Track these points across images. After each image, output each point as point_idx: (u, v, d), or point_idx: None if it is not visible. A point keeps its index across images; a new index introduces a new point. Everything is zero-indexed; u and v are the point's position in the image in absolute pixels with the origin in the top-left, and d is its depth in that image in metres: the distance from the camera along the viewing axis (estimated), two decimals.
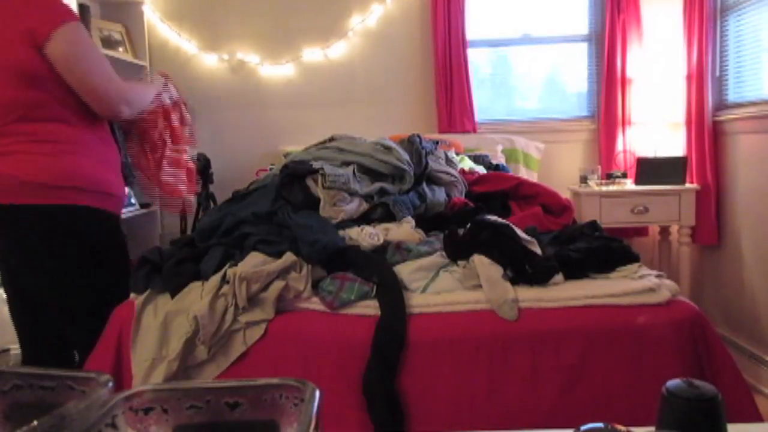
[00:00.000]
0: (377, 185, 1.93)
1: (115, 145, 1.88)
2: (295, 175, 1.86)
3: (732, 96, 3.01)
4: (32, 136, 1.63)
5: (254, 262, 1.53)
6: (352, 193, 1.84)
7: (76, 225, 1.68)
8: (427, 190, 2.04)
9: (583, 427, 0.56)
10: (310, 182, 1.85)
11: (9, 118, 1.62)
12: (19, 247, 1.67)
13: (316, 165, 1.84)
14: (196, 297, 1.48)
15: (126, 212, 3.17)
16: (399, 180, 1.99)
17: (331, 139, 2.25)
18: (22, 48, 1.57)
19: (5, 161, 1.62)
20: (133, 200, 3.32)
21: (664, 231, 3.33)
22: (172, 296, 1.53)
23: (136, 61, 3.40)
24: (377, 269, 1.53)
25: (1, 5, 1.62)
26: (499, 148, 3.22)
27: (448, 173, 2.16)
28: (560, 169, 3.47)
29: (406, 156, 2.01)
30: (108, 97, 1.68)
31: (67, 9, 1.67)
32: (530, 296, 1.45)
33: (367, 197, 1.90)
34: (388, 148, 2.00)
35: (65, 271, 1.68)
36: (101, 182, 1.72)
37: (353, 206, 1.83)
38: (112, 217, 1.80)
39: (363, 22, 3.49)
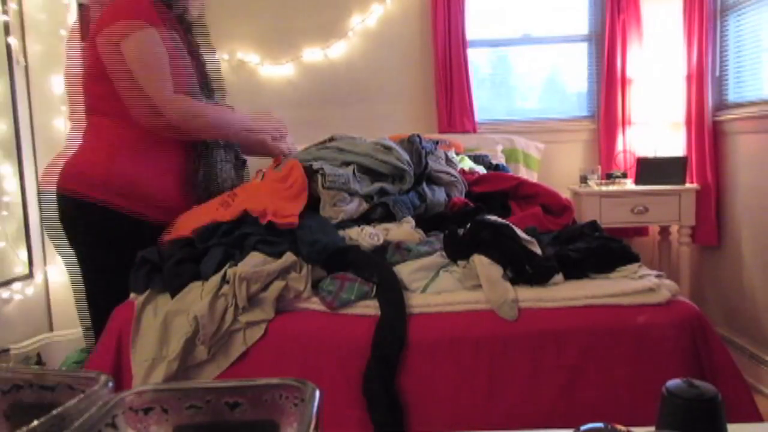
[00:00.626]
0: (377, 185, 1.92)
1: (179, 153, 1.84)
2: None
3: (732, 96, 3.01)
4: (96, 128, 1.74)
5: (254, 262, 1.53)
6: (352, 193, 1.84)
7: (101, 221, 1.73)
8: (427, 190, 2.04)
9: (583, 427, 0.56)
10: (310, 182, 1.85)
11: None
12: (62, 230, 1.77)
13: (316, 165, 1.84)
14: (196, 297, 1.48)
15: None
16: (399, 180, 1.99)
17: (331, 139, 2.25)
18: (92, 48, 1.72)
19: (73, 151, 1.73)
20: None
21: (664, 231, 3.33)
22: (172, 296, 1.53)
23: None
24: (377, 269, 1.53)
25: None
26: (499, 148, 3.22)
27: (448, 173, 2.16)
28: (560, 169, 3.47)
29: (406, 156, 2.01)
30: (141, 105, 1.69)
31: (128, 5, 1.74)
32: (530, 296, 1.45)
33: (367, 197, 1.90)
34: (388, 148, 2.00)
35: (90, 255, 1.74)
36: (143, 188, 1.76)
37: (353, 206, 1.83)
38: (142, 223, 1.77)
39: (363, 22, 3.49)
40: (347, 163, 1.94)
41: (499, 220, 1.62)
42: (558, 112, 3.56)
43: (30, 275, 2.67)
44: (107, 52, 1.68)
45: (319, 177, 1.80)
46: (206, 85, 1.89)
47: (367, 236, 1.66)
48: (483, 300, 1.45)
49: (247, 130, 1.94)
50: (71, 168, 1.74)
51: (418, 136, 2.18)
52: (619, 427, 0.55)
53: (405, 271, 1.55)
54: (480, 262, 1.50)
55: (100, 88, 1.72)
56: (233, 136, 1.89)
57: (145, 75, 1.67)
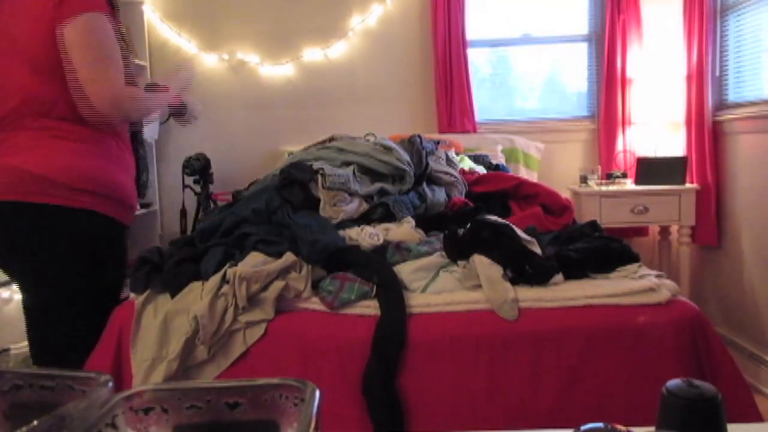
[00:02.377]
0: (377, 185, 1.93)
1: (131, 149, 1.76)
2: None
3: (732, 96, 3.01)
4: (55, 132, 1.53)
5: (254, 262, 1.53)
6: (352, 194, 1.84)
7: (88, 229, 1.59)
8: (427, 190, 2.04)
9: (583, 427, 0.56)
10: (310, 182, 1.85)
11: (25, 111, 1.52)
12: (23, 247, 1.57)
13: (316, 165, 1.84)
14: (196, 297, 1.48)
15: None
16: (399, 180, 1.99)
17: (331, 139, 2.25)
18: (41, 33, 1.49)
19: (24, 156, 1.51)
20: None
21: (664, 231, 3.33)
22: (172, 296, 1.53)
23: (136, 60, 3.40)
24: (377, 269, 1.53)
25: None
26: (499, 148, 3.22)
27: (448, 173, 2.16)
28: (560, 169, 3.47)
29: (406, 156, 2.01)
30: (82, 94, 1.51)
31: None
32: (530, 296, 1.45)
33: (367, 197, 1.90)
34: (388, 149, 2.00)
35: (66, 274, 1.59)
36: (119, 190, 1.64)
37: (353, 206, 1.83)
38: (122, 227, 1.71)
39: (363, 22, 3.49)
40: (347, 163, 1.94)
41: (499, 220, 1.62)
42: (558, 112, 3.56)
43: None
44: (75, 39, 1.47)
45: (319, 177, 1.80)
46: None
47: (367, 236, 1.66)
48: (483, 300, 1.45)
49: (172, 102, 1.85)
50: (58, 176, 1.53)
51: (419, 136, 2.18)
52: (619, 427, 0.55)
53: (405, 271, 1.55)
54: (480, 262, 1.50)
55: (56, 88, 1.52)
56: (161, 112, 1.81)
57: (107, 65, 1.51)
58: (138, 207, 1.73)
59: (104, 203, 1.60)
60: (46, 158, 1.52)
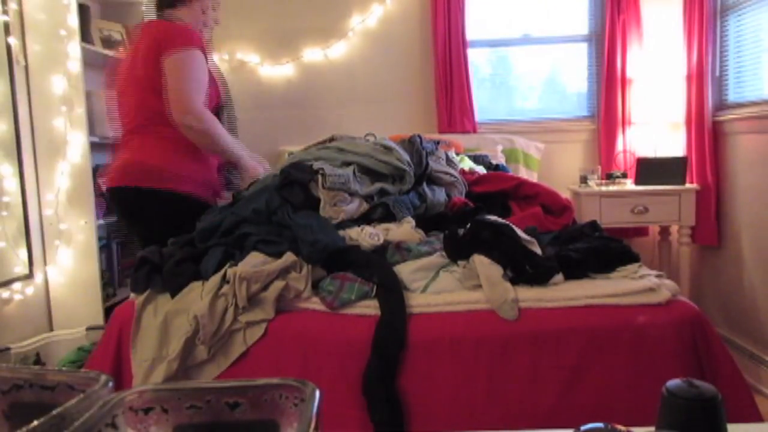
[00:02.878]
0: (377, 186, 1.92)
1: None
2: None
3: (732, 96, 3.01)
4: (162, 135, 2.10)
5: (254, 262, 1.53)
6: (353, 194, 1.84)
7: (178, 203, 2.10)
8: (427, 190, 2.04)
9: (583, 427, 0.56)
10: (310, 182, 1.85)
11: (146, 121, 2.11)
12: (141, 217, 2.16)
13: (316, 165, 1.84)
14: (196, 297, 1.48)
15: None
16: (399, 180, 1.99)
17: (331, 139, 2.25)
18: (152, 64, 2.06)
19: (138, 153, 2.11)
20: None
21: (664, 231, 3.33)
22: (172, 296, 1.53)
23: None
24: (377, 269, 1.53)
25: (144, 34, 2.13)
26: (499, 148, 3.22)
27: (448, 173, 2.16)
28: (560, 169, 3.47)
29: (406, 156, 2.01)
30: (175, 102, 2.04)
31: (182, 33, 2.09)
32: (530, 296, 1.45)
33: (368, 197, 1.90)
34: (388, 149, 2.00)
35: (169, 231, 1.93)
36: (200, 177, 2.16)
37: (353, 206, 1.83)
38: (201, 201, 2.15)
39: (363, 22, 3.49)
40: (347, 164, 1.94)
41: (499, 220, 1.62)
42: (558, 112, 3.56)
43: (30, 275, 2.67)
44: (173, 68, 2.04)
45: (320, 177, 1.80)
46: (222, 109, 2.32)
47: (367, 236, 1.66)
48: (483, 300, 1.45)
49: (234, 159, 2.26)
50: (136, 166, 2.11)
51: (419, 136, 2.18)
52: (619, 427, 0.55)
53: (405, 271, 1.55)
54: (480, 262, 1.50)
55: (159, 102, 2.06)
56: (223, 156, 2.25)
57: (193, 87, 2.06)
58: (224, 195, 2.31)
59: (187, 185, 2.12)
60: (150, 154, 2.10)
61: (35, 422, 0.44)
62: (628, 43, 3.27)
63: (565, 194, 2.61)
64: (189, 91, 2.04)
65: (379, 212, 1.86)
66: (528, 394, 1.36)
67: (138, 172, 2.10)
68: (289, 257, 1.53)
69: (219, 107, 2.29)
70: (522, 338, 1.39)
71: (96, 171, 3.01)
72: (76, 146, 2.73)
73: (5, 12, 2.56)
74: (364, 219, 1.83)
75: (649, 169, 3.13)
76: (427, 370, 1.39)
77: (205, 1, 2.25)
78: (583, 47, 3.53)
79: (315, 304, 1.49)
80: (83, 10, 2.87)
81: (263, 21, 3.51)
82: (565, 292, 1.46)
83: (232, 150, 2.19)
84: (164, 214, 2.09)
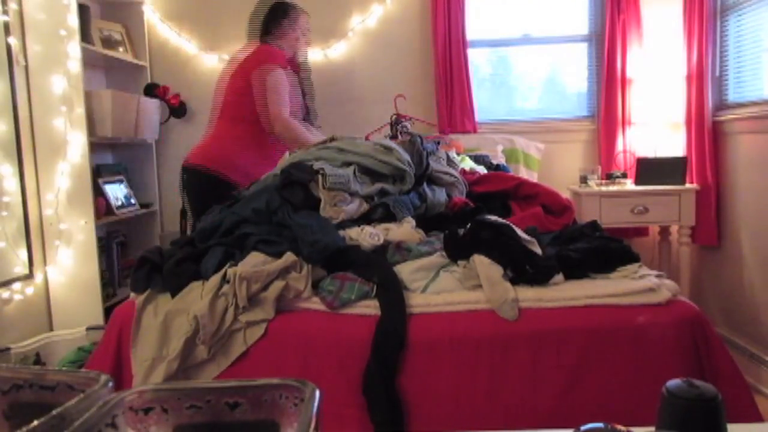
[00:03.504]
0: (378, 186, 1.92)
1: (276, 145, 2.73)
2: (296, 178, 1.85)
3: (732, 96, 3.01)
4: (231, 128, 2.67)
5: (254, 261, 1.53)
6: (353, 194, 1.84)
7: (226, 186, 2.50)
8: (427, 190, 2.03)
9: (583, 427, 0.56)
10: (310, 183, 1.85)
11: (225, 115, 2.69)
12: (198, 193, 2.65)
13: (316, 165, 1.84)
14: (197, 297, 1.48)
15: (126, 212, 3.17)
16: (400, 180, 1.99)
17: (332, 139, 2.25)
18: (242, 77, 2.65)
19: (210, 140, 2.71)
20: (132, 200, 3.32)
21: (664, 231, 3.33)
22: (173, 296, 1.53)
23: (136, 61, 3.40)
24: (377, 269, 1.53)
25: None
26: (500, 148, 3.22)
27: (448, 173, 2.16)
28: (560, 169, 3.47)
29: (406, 156, 2.01)
30: (262, 110, 2.62)
31: (275, 56, 2.67)
32: (530, 296, 1.45)
33: (368, 197, 1.90)
34: (388, 149, 2.00)
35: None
36: (251, 167, 2.57)
37: (353, 207, 1.82)
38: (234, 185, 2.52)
39: (363, 22, 3.49)
40: (348, 164, 1.94)
41: (500, 220, 1.62)
42: (558, 112, 3.56)
43: (30, 275, 2.67)
44: (258, 81, 2.60)
45: (320, 177, 1.80)
46: (308, 110, 2.89)
47: (367, 236, 1.66)
48: (483, 300, 1.45)
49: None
50: (204, 151, 2.66)
51: (419, 136, 2.18)
52: (619, 427, 0.55)
53: (405, 271, 1.55)
54: (480, 262, 1.50)
55: (240, 101, 2.63)
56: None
57: (275, 99, 2.59)
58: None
59: (237, 174, 2.58)
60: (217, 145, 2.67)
61: (35, 422, 0.44)
62: (628, 43, 3.27)
63: (565, 194, 2.61)
64: (273, 103, 2.58)
65: (379, 212, 1.86)
66: (528, 394, 1.36)
67: (205, 155, 2.64)
68: (289, 257, 1.53)
69: (308, 114, 2.86)
70: (522, 338, 1.39)
71: (96, 171, 3.01)
72: (76, 146, 2.73)
73: (5, 12, 2.56)
74: (365, 219, 1.83)
75: (649, 169, 3.13)
76: (427, 370, 1.39)
77: (298, 30, 2.79)
78: (583, 47, 3.53)
79: (315, 304, 1.49)
80: (83, 10, 2.87)
81: None
82: (565, 292, 1.46)
83: (303, 142, 2.57)
84: (214, 196, 2.36)
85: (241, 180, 2.52)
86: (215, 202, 2.08)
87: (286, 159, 2.11)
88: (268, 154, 2.67)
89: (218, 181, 2.57)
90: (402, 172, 1.97)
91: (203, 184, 2.61)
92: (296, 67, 2.83)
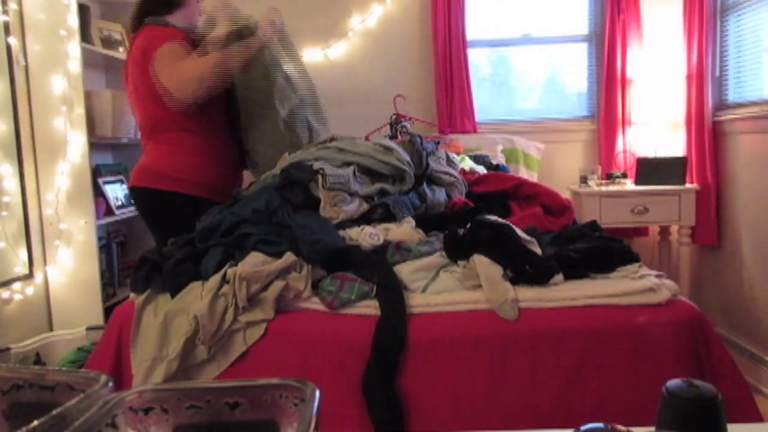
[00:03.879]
0: (377, 186, 1.92)
1: (229, 144, 2.34)
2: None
3: (732, 96, 3.01)
4: (165, 141, 2.19)
5: (254, 262, 1.53)
6: (353, 194, 1.84)
7: (179, 200, 2.17)
8: (427, 190, 2.04)
9: (583, 427, 0.56)
10: (310, 183, 1.85)
11: (149, 128, 2.20)
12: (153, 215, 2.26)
13: (316, 165, 1.84)
14: (196, 297, 1.48)
15: (126, 212, 3.17)
16: (399, 180, 1.99)
17: (332, 139, 2.25)
18: (143, 75, 2.11)
19: (148, 157, 2.22)
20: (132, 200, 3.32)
21: (664, 231, 3.33)
22: (172, 296, 1.52)
23: None
24: (377, 269, 1.53)
25: (137, 48, 2.15)
26: (499, 148, 3.22)
27: (448, 173, 2.16)
28: (560, 169, 3.47)
29: (406, 156, 2.01)
30: (170, 96, 2.08)
31: (161, 37, 2.12)
32: (530, 296, 1.45)
33: (368, 197, 1.90)
34: (388, 149, 2.00)
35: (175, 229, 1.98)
36: (193, 174, 2.19)
37: (353, 207, 1.82)
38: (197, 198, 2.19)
39: (363, 22, 3.49)
40: (348, 164, 1.94)
41: (499, 220, 1.62)
42: (558, 112, 3.56)
43: (30, 275, 2.67)
44: (157, 71, 2.08)
45: (320, 177, 1.80)
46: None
47: (367, 236, 1.66)
48: (483, 300, 1.45)
49: (255, 47, 2.21)
50: (146, 168, 2.21)
51: (419, 136, 2.18)
52: (619, 427, 0.55)
53: (405, 271, 1.55)
54: (480, 261, 1.50)
55: (161, 111, 2.13)
56: (248, 57, 2.19)
57: (172, 73, 2.06)
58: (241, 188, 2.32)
59: (186, 185, 2.17)
60: (155, 158, 2.20)
61: (35, 422, 0.44)
62: (628, 43, 3.27)
63: (565, 194, 2.61)
64: (176, 77, 2.05)
65: (379, 212, 1.86)
66: (528, 394, 1.36)
67: (149, 175, 2.20)
68: (289, 257, 1.53)
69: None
70: (522, 338, 1.39)
71: (96, 171, 3.01)
72: (76, 146, 2.73)
73: (5, 12, 2.56)
74: (364, 219, 1.83)
75: (649, 169, 3.13)
76: (427, 370, 1.39)
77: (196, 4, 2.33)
78: (583, 47, 3.53)
79: (315, 304, 1.49)
80: (83, 10, 2.87)
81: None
82: (565, 292, 1.46)
83: (246, 50, 2.15)
84: (173, 215, 2.17)
85: (201, 192, 2.20)
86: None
87: (286, 159, 2.10)
88: (212, 158, 2.26)
89: (180, 199, 2.21)
90: (402, 172, 1.97)
91: (169, 207, 2.23)
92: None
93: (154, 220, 2.28)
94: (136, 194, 2.28)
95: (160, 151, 2.21)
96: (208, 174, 2.24)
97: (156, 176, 2.19)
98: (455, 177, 2.17)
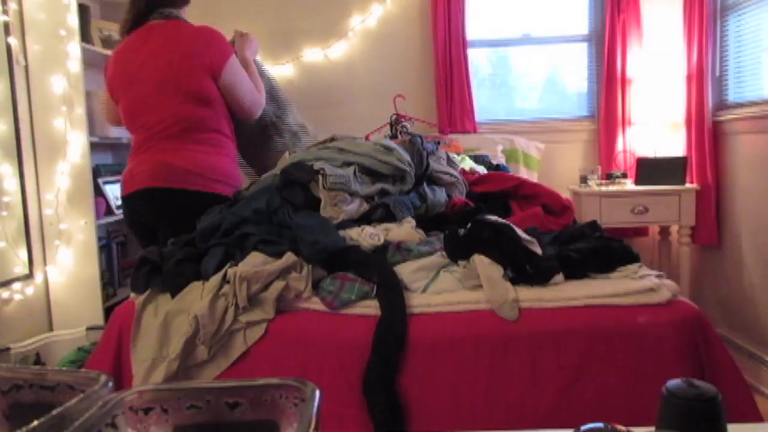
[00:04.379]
0: (378, 186, 1.92)
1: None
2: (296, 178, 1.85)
3: (732, 96, 3.01)
4: (197, 141, 2.14)
5: (255, 262, 1.53)
6: (353, 194, 1.84)
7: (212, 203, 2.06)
8: (427, 190, 2.04)
9: (583, 427, 0.56)
10: (310, 183, 1.85)
11: (179, 127, 2.11)
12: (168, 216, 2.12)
13: (317, 165, 1.84)
14: (197, 297, 1.48)
15: None
16: (400, 180, 1.99)
17: (332, 139, 2.25)
18: (204, 78, 2.11)
19: (176, 156, 2.11)
20: None
21: (664, 231, 3.33)
22: (173, 296, 1.53)
23: None
24: (378, 269, 1.53)
25: (182, 44, 2.12)
26: (499, 148, 3.22)
27: (448, 173, 2.16)
28: (560, 169, 3.47)
29: (406, 156, 2.01)
30: (250, 110, 2.27)
31: (229, 46, 2.24)
32: (530, 296, 1.45)
33: (368, 198, 1.90)
34: (388, 149, 2.00)
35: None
36: (234, 177, 2.24)
37: (354, 207, 1.82)
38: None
39: (363, 22, 3.49)
40: (348, 164, 1.94)
41: (500, 220, 1.62)
42: (558, 112, 3.56)
43: (30, 275, 2.67)
44: (231, 80, 2.17)
45: (320, 177, 1.79)
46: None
47: (367, 236, 1.66)
48: (483, 300, 1.45)
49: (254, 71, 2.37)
50: (193, 168, 2.12)
51: (419, 136, 2.18)
52: (619, 427, 0.55)
53: (405, 271, 1.55)
54: (480, 261, 1.50)
55: (206, 112, 2.15)
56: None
57: (246, 89, 2.23)
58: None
59: (222, 187, 2.15)
60: (188, 157, 2.11)
61: (35, 422, 0.44)
62: (628, 43, 3.27)
63: (565, 194, 2.61)
64: (254, 92, 2.25)
65: (379, 212, 1.86)
66: (528, 394, 1.36)
67: (181, 175, 2.09)
68: (289, 257, 1.53)
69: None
70: (522, 338, 1.39)
71: (96, 171, 3.01)
72: (76, 146, 2.73)
73: (5, 12, 2.56)
74: (365, 219, 1.83)
75: (649, 169, 3.13)
76: (427, 370, 1.39)
77: None
78: (583, 47, 3.53)
79: (315, 304, 1.49)
80: (83, 10, 2.86)
81: (263, 21, 3.51)
82: (566, 292, 1.46)
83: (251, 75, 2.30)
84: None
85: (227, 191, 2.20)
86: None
87: (286, 159, 2.10)
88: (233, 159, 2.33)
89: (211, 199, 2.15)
90: (402, 172, 1.97)
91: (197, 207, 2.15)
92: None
93: (187, 221, 2.05)
94: (172, 195, 2.10)
95: (201, 152, 2.14)
96: (239, 176, 2.32)
97: (201, 178, 2.11)
98: (456, 177, 2.17)
